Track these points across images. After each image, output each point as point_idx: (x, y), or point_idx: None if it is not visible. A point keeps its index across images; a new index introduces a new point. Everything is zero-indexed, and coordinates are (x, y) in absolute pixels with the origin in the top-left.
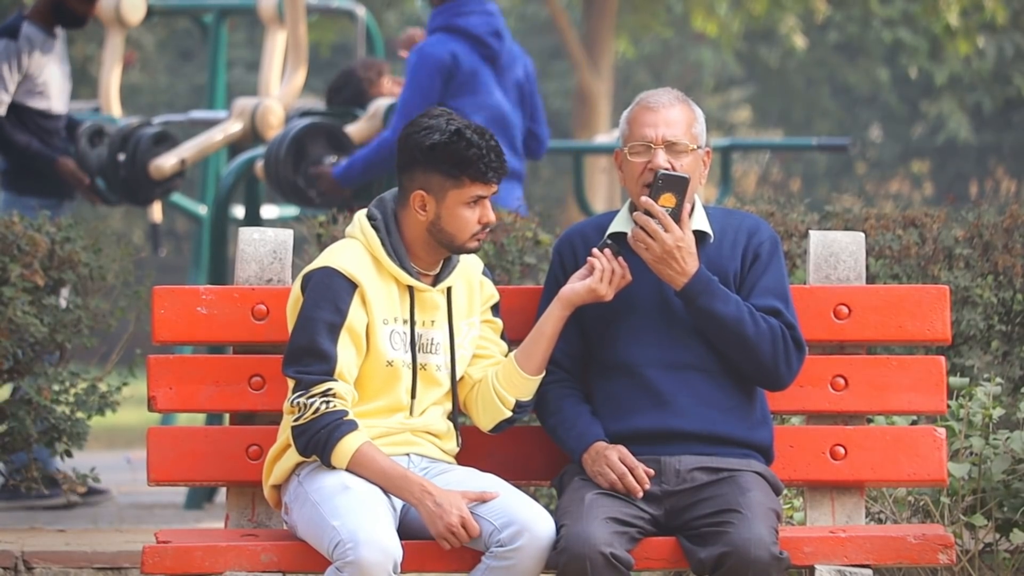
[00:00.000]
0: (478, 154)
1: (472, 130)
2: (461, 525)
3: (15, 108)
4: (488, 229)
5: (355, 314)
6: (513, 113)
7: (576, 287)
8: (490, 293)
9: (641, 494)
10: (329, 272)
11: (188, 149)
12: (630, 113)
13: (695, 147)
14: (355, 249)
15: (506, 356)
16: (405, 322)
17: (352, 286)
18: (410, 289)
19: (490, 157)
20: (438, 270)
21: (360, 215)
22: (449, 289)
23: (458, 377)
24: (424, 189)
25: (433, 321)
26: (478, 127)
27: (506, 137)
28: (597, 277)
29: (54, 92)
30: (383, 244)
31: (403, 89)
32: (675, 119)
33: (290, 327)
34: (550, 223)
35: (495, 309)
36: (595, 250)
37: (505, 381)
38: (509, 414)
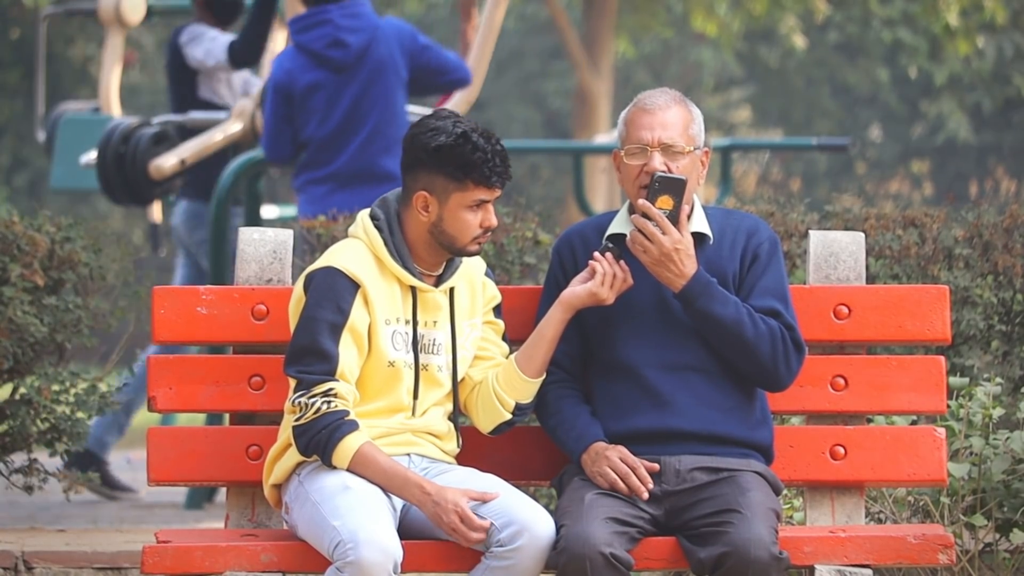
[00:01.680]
0: (483, 158)
1: (479, 133)
2: (460, 521)
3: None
4: (489, 233)
5: (357, 314)
6: (371, 111)
7: (577, 291)
8: (492, 294)
9: (647, 495)
10: (332, 272)
11: (188, 149)
12: (627, 115)
13: (692, 149)
14: (358, 249)
15: (507, 358)
16: (407, 322)
17: (355, 286)
18: (413, 289)
19: (495, 161)
20: (441, 271)
21: (363, 214)
22: (452, 290)
23: (459, 378)
24: (427, 190)
25: (435, 322)
26: (485, 130)
27: (356, 138)
28: (598, 281)
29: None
30: (386, 244)
31: None
32: (671, 121)
33: (292, 326)
34: (550, 223)
35: (497, 310)
36: (596, 254)
37: (505, 383)
38: (508, 416)
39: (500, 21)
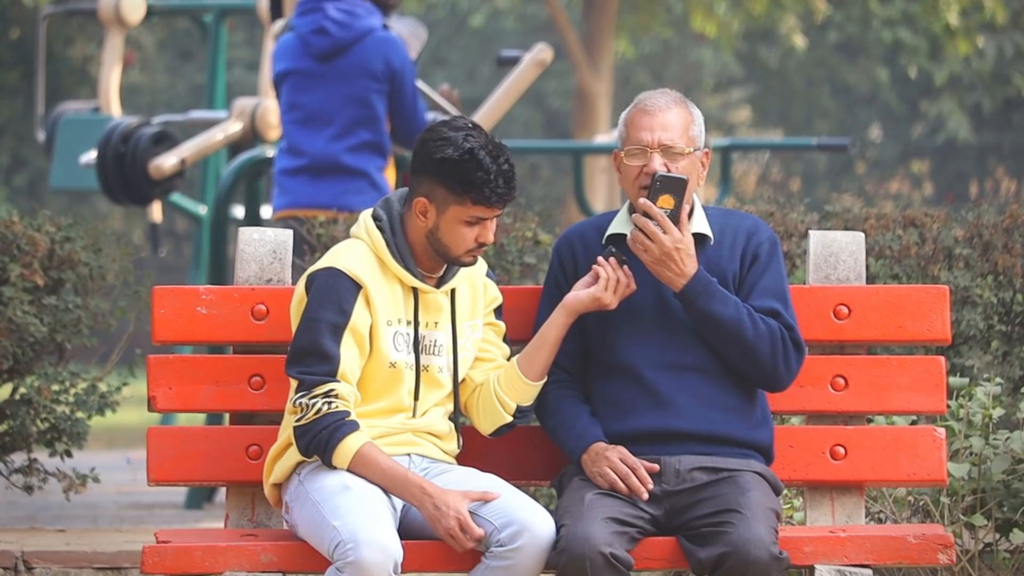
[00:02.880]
0: (484, 178)
1: (487, 151)
2: (459, 528)
3: None
4: (484, 247)
5: (359, 315)
6: (344, 108)
7: (580, 295)
8: (493, 295)
9: (646, 495)
10: (334, 273)
11: (188, 149)
12: (627, 115)
13: (691, 150)
14: (360, 250)
15: (508, 359)
16: (409, 323)
17: (356, 287)
18: (414, 290)
19: (497, 183)
20: (442, 272)
21: (365, 215)
22: (453, 291)
23: (460, 379)
24: (428, 197)
25: (436, 323)
26: (495, 148)
27: (327, 132)
28: (602, 286)
29: None
30: (388, 245)
31: None
32: (671, 122)
33: (294, 327)
34: (550, 223)
35: (498, 312)
36: (600, 259)
37: (507, 386)
38: (510, 419)
39: (525, 86)
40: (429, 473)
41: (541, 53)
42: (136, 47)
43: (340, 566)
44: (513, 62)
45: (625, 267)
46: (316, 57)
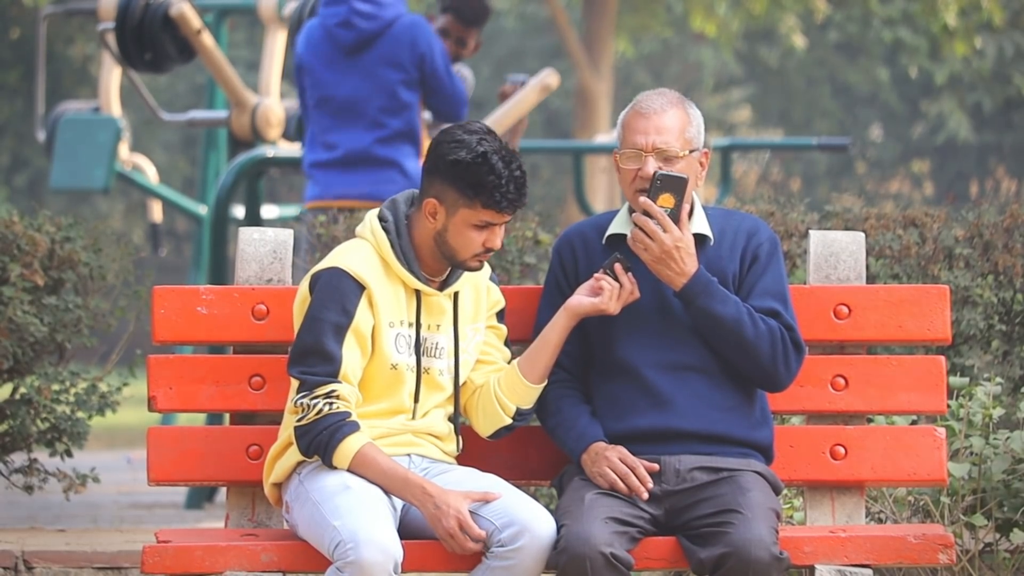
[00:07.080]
0: (496, 183)
1: (499, 156)
2: (459, 528)
3: None
4: (491, 252)
5: (362, 316)
6: (373, 99)
7: (583, 301)
8: (496, 299)
9: (646, 495)
10: (338, 273)
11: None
12: (624, 117)
13: (687, 152)
14: (364, 250)
15: (509, 362)
16: (411, 325)
17: (360, 288)
18: (417, 293)
19: (508, 188)
20: (445, 275)
21: (371, 215)
22: (456, 294)
23: (461, 382)
24: (438, 199)
25: (439, 325)
26: (507, 153)
27: (359, 124)
28: (605, 298)
29: None
30: (392, 247)
31: None
32: (667, 126)
33: (296, 326)
34: (550, 223)
35: (500, 315)
36: (597, 275)
37: (507, 388)
38: (509, 421)
39: (528, 109)
40: (429, 473)
41: (548, 78)
42: None
43: (340, 566)
44: (519, 85)
45: (630, 274)
46: (343, 50)
